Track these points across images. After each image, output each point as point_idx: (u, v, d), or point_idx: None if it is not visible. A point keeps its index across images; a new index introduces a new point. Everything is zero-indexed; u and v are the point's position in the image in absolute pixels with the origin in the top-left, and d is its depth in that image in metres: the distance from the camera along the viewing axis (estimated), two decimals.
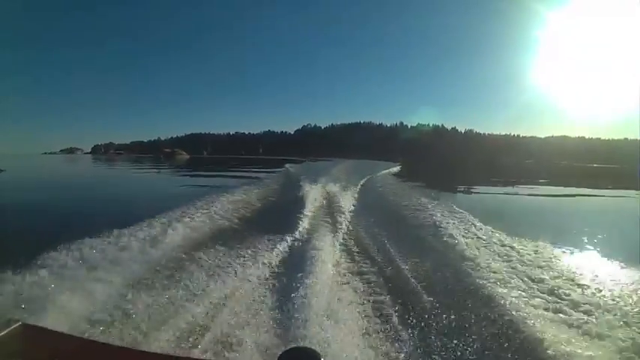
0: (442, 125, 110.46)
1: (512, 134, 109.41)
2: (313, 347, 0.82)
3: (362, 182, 12.65)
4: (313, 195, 8.35)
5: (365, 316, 2.90)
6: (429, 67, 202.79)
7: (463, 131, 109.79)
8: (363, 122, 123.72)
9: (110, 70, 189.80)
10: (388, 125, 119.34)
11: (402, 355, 2.35)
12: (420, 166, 39.68)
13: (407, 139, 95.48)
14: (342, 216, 6.72)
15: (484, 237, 5.08)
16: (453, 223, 6.00)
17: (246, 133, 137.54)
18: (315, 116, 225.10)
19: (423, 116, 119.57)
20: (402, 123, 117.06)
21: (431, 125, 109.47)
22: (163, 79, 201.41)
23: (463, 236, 5.16)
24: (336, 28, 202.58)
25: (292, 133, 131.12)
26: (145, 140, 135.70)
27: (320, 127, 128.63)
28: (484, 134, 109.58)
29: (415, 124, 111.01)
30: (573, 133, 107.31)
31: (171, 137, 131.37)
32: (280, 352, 0.76)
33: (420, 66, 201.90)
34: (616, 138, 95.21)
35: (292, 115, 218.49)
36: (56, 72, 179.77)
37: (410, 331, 2.66)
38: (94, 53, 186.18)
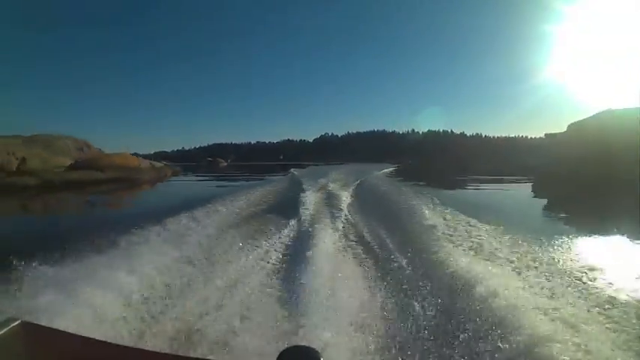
0: (451, 131, 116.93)
1: (520, 136, 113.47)
2: (313, 346, 0.82)
3: (357, 182, 14.06)
4: (312, 193, 9.31)
5: (365, 314, 2.86)
6: (440, 71, 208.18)
7: (470, 135, 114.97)
8: (377, 130, 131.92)
9: (126, 81, 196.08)
10: (401, 132, 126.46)
11: (402, 353, 2.32)
12: (416, 166, 45.30)
13: (417, 144, 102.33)
14: (338, 210, 7.48)
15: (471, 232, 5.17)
16: (427, 209, 6.56)
17: (267, 142, 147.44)
18: (333, 126, 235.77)
19: (429, 116, 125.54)
20: (413, 130, 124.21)
21: (441, 131, 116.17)
22: (182, 90, 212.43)
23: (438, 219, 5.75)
24: (353, 41, 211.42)
25: (311, 141, 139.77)
26: (169, 150, 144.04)
27: (337, 136, 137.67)
28: (492, 137, 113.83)
29: (426, 130, 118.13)
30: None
31: (195, 147, 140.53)
32: (280, 351, 0.76)
33: (431, 71, 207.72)
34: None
35: (311, 125, 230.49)
36: (72, 82, 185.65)
37: (410, 330, 2.62)
38: (111, 63, 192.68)
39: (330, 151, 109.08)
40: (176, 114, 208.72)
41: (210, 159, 67.24)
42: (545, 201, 12.59)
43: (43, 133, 25.09)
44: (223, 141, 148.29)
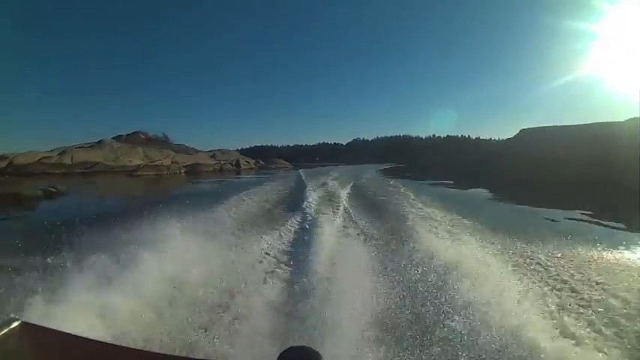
0: (469, 136, 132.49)
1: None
2: (313, 346, 0.82)
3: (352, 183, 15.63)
4: (315, 191, 10.61)
5: (366, 314, 2.88)
6: (464, 78, 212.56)
7: (483, 139, 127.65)
8: (402, 135, 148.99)
9: (164, 84, 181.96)
10: (423, 137, 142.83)
11: (403, 352, 2.34)
12: (417, 164, 57.35)
13: (436, 147, 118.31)
14: (338, 206, 8.64)
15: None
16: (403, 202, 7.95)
17: (303, 145, 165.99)
18: (365, 130, 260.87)
19: (441, 118, 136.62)
20: (434, 135, 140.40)
21: (460, 136, 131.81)
22: (222, 95, 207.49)
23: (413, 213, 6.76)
24: (384, 52, 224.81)
25: (344, 144, 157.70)
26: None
27: (368, 140, 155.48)
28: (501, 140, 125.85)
29: (445, 135, 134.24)
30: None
31: (238, 149, 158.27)
32: (280, 352, 0.75)
33: (455, 79, 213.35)
34: None
35: (346, 130, 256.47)
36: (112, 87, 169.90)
37: (411, 329, 2.64)
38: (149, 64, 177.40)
39: (360, 153, 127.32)
40: (216, 116, 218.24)
41: (270, 160, 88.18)
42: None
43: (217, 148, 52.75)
44: (263, 143, 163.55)
